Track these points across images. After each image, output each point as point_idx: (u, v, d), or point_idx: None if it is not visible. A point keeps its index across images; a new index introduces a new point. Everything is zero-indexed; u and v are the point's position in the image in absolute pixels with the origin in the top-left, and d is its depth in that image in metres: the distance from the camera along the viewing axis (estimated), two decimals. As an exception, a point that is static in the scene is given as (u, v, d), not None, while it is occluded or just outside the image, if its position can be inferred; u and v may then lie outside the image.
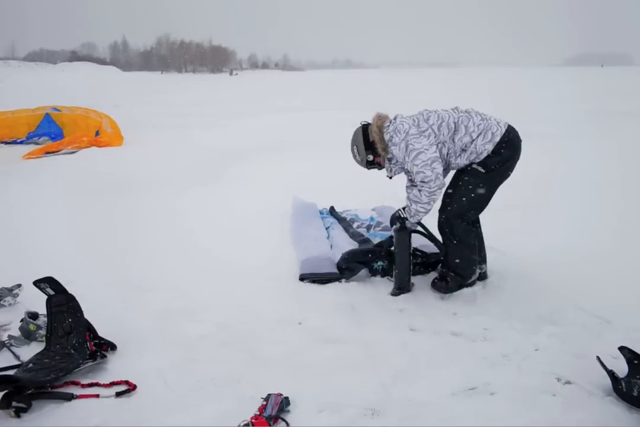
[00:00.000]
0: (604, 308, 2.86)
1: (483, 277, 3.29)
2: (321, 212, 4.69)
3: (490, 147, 2.96)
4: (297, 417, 2.04)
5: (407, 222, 3.14)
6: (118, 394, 2.18)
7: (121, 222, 4.52)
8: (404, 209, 3.17)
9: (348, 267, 3.36)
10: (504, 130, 2.99)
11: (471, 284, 3.18)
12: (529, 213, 4.61)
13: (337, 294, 3.15)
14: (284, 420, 2.01)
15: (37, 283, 2.51)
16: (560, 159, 7.05)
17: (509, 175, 3.10)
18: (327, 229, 4.26)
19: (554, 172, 6.25)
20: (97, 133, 8.54)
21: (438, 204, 3.15)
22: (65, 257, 3.66)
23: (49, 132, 9.11)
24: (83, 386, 2.25)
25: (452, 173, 3.21)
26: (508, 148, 2.98)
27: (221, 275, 3.43)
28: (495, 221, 4.04)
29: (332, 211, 4.72)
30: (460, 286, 3.15)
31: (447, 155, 3.05)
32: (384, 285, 3.29)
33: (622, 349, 2.21)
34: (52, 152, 7.82)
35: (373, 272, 3.42)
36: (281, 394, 2.10)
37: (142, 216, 4.68)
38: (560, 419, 2.04)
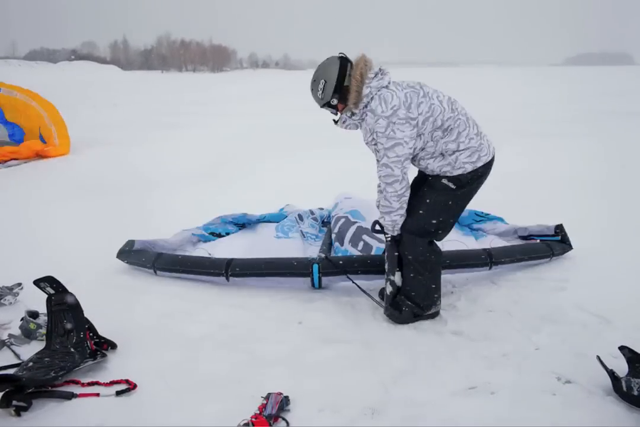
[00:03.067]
0: (604, 308, 2.86)
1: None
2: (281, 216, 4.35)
3: (469, 168, 2.66)
4: (297, 417, 2.05)
5: (390, 235, 2.78)
6: (118, 393, 2.18)
7: (121, 221, 4.52)
8: (379, 225, 2.82)
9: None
10: (490, 158, 2.73)
11: (433, 315, 2.81)
12: (528, 212, 4.60)
13: (337, 294, 3.15)
14: (284, 419, 2.01)
15: (38, 282, 2.51)
16: (561, 159, 7.05)
17: (477, 191, 2.79)
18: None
19: (554, 172, 6.25)
20: (40, 137, 7.78)
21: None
22: (66, 257, 3.66)
23: None
24: (83, 384, 2.25)
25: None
26: (483, 166, 2.71)
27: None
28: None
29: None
30: (417, 316, 2.77)
31: (420, 149, 2.67)
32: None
33: (622, 348, 2.22)
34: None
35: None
36: (281, 393, 2.10)
37: (142, 215, 4.68)
38: (561, 418, 2.04)
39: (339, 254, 3.47)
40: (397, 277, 2.81)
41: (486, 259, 3.26)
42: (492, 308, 2.94)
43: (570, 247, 3.62)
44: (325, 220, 4.33)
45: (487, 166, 2.73)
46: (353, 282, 3.06)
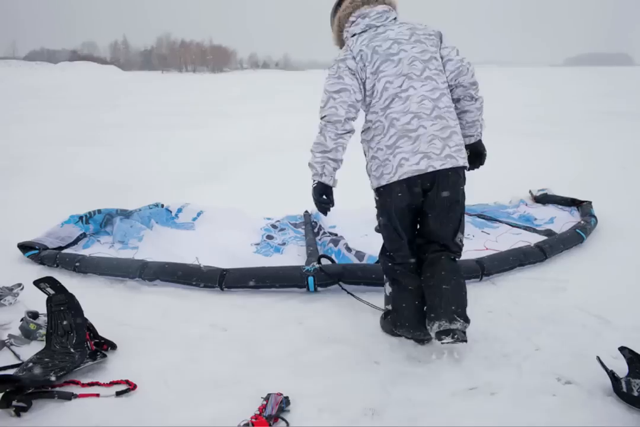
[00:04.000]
0: (604, 308, 2.86)
1: (453, 335, 2.27)
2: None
3: (374, 184, 2.47)
4: (297, 417, 2.04)
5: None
6: (118, 394, 2.17)
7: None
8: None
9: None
10: (396, 179, 2.34)
11: (416, 340, 2.55)
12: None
13: (338, 294, 3.14)
14: (284, 420, 2.01)
15: (38, 283, 2.51)
16: (561, 159, 7.05)
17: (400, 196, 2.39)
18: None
19: (553, 172, 6.25)
20: None
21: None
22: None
23: None
24: (83, 385, 2.25)
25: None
26: (395, 184, 2.38)
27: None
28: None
29: (305, 216, 4.43)
30: (394, 334, 2.59)
31: None
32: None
33: (622, 349, 2.21)
34: None
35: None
36: (281, 394, 2.10)
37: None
38: (560, 419, 2.03)
39: (332, 255, 3.47)
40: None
41: (478, 271, 3.23)
42: (492, 308, 2.94)
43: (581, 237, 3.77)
44: (296, 222, 4.36)
45: (400, 185, 2.35)
46: (348, 292, 3.04)
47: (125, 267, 3.33)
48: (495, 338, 2.63)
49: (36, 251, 3.60)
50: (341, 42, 2.57)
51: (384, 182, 2.39)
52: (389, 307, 2.68)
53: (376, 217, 2.58)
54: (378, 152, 2.39)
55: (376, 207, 2.55)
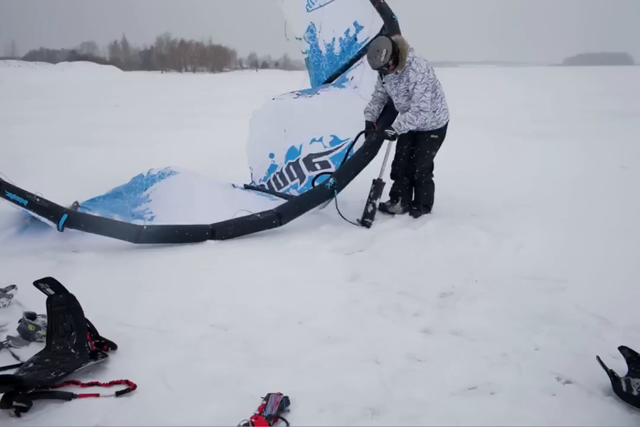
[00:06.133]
0: (603, 307, 2.86)
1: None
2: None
3: (444, 123, 4.45)
4: (297, 417, 2.05)
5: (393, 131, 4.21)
6: (118, 394, 2.18)
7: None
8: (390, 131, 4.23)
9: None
10: (449, 118, 4.51)
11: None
12: (525, 211, 4.61)
13: (338, 293, 3.15)
14: (284, 419, 2.01)
15: (37, 283, 2.51)
16: (561, 159, 7.05)
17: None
18: None
19: (554, 172, 6.25)
20: None
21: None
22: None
23: None
24: (83, 385, 2.25)
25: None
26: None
27: (221, 275, 3.43)
28: (494, 220, 4.04)
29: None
30: (423, 209, 4.64)
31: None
32: (386, 283, 3.29)
33: (622, 348, 2.22)
34: None
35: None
36: (281, 394, 2.10)
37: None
38: (560, 418, 2.04)
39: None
40: (377, 201, 4.37)
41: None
42: (492, 308, 2.94)
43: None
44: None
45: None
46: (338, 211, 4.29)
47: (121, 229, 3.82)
48: (495, 338, 2.63)
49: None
50: (396, 59, 4.16)
51: (448, 119, 4.49)
52: (388, 203, 4.68)
53: (429, 151, 4.52)
54: (445, 104, 4.44)
55: (434, 141, 4.50)
